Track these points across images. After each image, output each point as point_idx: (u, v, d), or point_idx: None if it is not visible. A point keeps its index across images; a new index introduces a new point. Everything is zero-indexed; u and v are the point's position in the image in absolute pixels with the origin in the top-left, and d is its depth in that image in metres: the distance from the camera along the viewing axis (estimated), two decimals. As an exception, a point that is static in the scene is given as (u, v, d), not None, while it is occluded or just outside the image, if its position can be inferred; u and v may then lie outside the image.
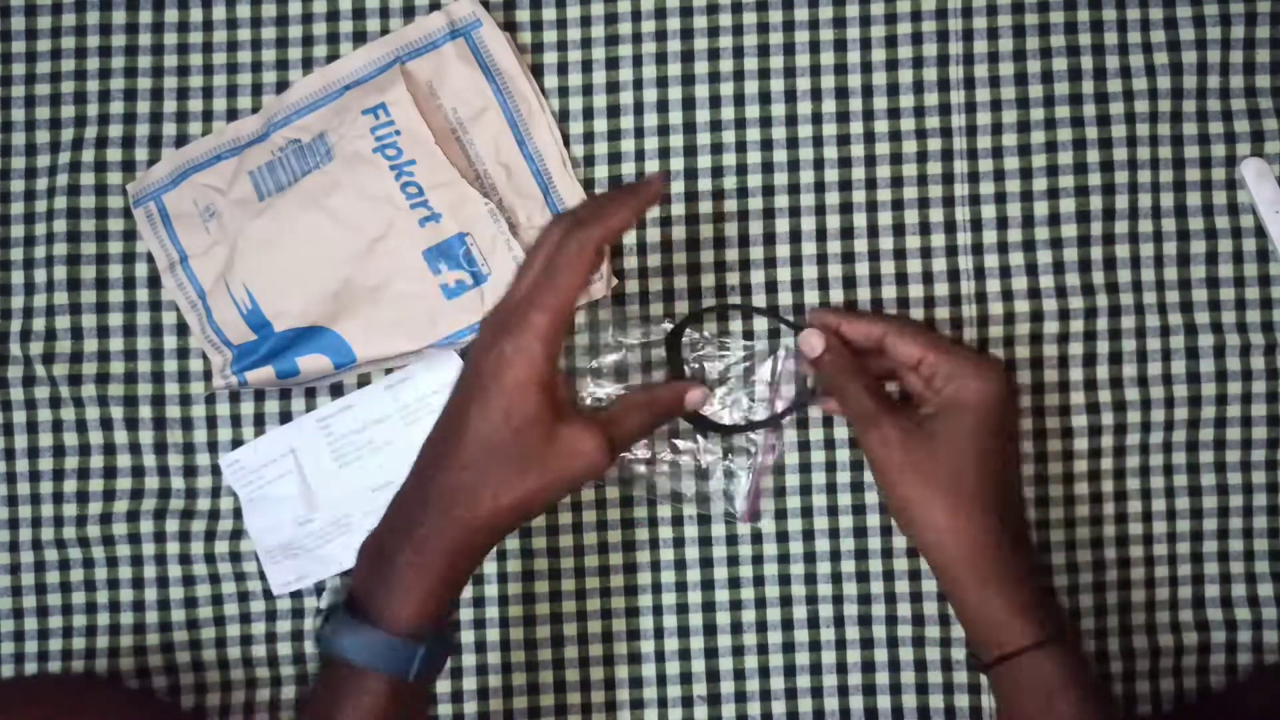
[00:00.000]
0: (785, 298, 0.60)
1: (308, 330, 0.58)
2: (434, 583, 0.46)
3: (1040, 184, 0.60)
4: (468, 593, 0.61)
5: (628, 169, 0.61)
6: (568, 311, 0.46)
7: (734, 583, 0.60)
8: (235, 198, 0.59)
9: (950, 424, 0.53)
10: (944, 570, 0.52)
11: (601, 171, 0.61)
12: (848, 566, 0.60)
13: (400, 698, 0.46)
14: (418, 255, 0.58)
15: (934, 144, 0.60)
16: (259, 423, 0.61)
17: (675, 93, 0.61)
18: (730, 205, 0.60)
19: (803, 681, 0.60)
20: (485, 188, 0.59)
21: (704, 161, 0.61)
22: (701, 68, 0.60)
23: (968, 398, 0.53)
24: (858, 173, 0.60)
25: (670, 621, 0.60)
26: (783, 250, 0.60)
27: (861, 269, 0.60)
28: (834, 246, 0.60)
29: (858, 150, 0.60)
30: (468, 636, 0.61)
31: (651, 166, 0.61)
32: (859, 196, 0.60)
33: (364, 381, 0.61)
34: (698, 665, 0.60)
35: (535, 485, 0.46)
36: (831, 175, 0.60)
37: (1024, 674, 0.51)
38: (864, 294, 0.60)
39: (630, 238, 0.61)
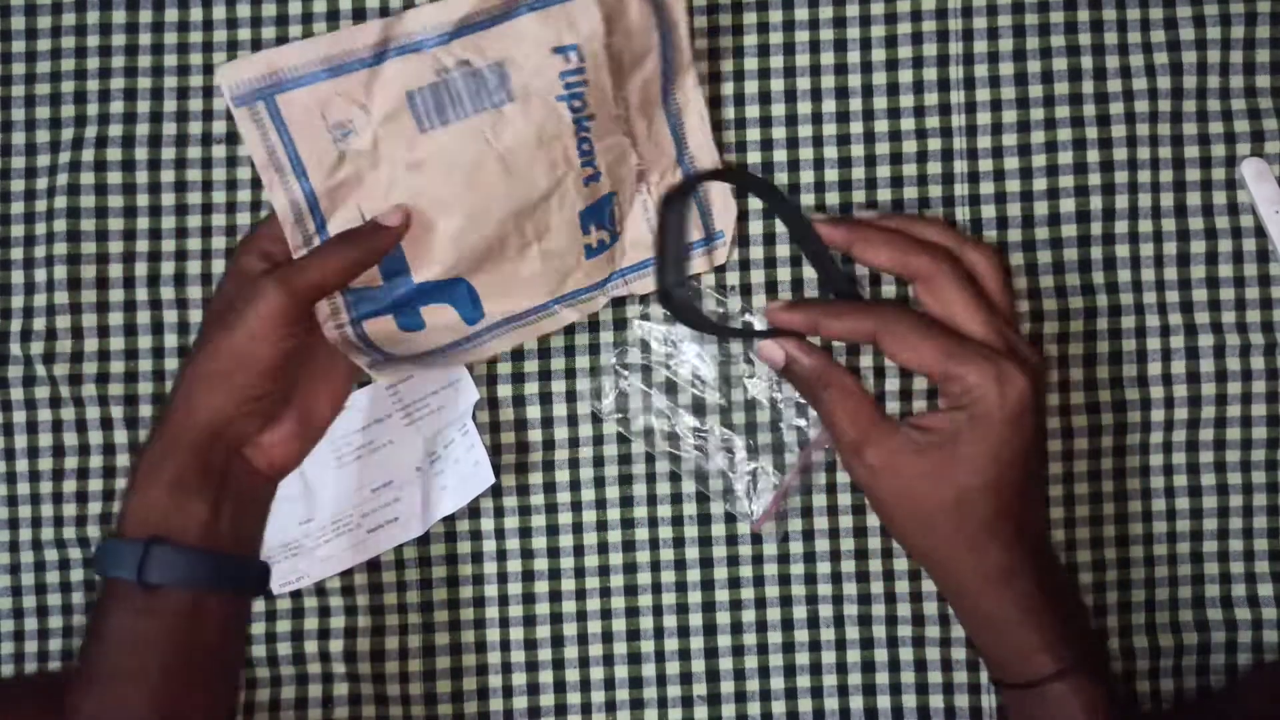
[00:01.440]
0: (786, 297, 0.60)
1: (443, 283, 0.54)
2: (156, 478, 0.47)
3: (1040, 184, 0.60)
4: (468, 593, 0.61)
5: (628, 169, 0.61)
6: (309, 293, 0.48)
7: (734, 583, 0.60)
8: (383, 116, 0.51)
9: (960, 447, 0.46)
10: (954, 603, 0.49)
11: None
12: (848, 566, 0.60)
13: (125, 603, 0.46)
14: (575, 215, 0.54)
15: (934, 144, 0.60)
16: (259, 423, 0.61)
17: (675, 93, 0.61)
18: (730, 205, 0.60)
19: (803, 681, 0.60)
20: (630, 146, 0.55)
21: (704, 161, 0.61)
22: (701, 68, 0.60)
23: (982, 412, 0.46)
24: (858, 173, 0.60)
25: (670, 621, 0.60)
26: (782, 250, 0.60)
27: (861, 269, 0.60)
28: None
29: (858, 150, 0.60)
30: (468, 636, 0.61)
31: (651, 166, 0.61)
32: (859, 196, 0.60)
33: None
34: (698, 665, 0.60)
35: (222, 340, 0.47)
36: (831, 175, 0.60)
37: (1042, 704, 0.47)
38: (864, 294, 0.60)
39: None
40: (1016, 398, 0.46)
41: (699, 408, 0.60)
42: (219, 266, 0.61)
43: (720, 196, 0.58)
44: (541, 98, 0.51)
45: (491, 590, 0.61)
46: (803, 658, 0.60)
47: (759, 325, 0.59)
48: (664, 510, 0.61)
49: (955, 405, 0.46)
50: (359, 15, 0.61)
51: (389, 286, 0.53)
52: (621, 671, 0.61)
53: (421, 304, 0.54)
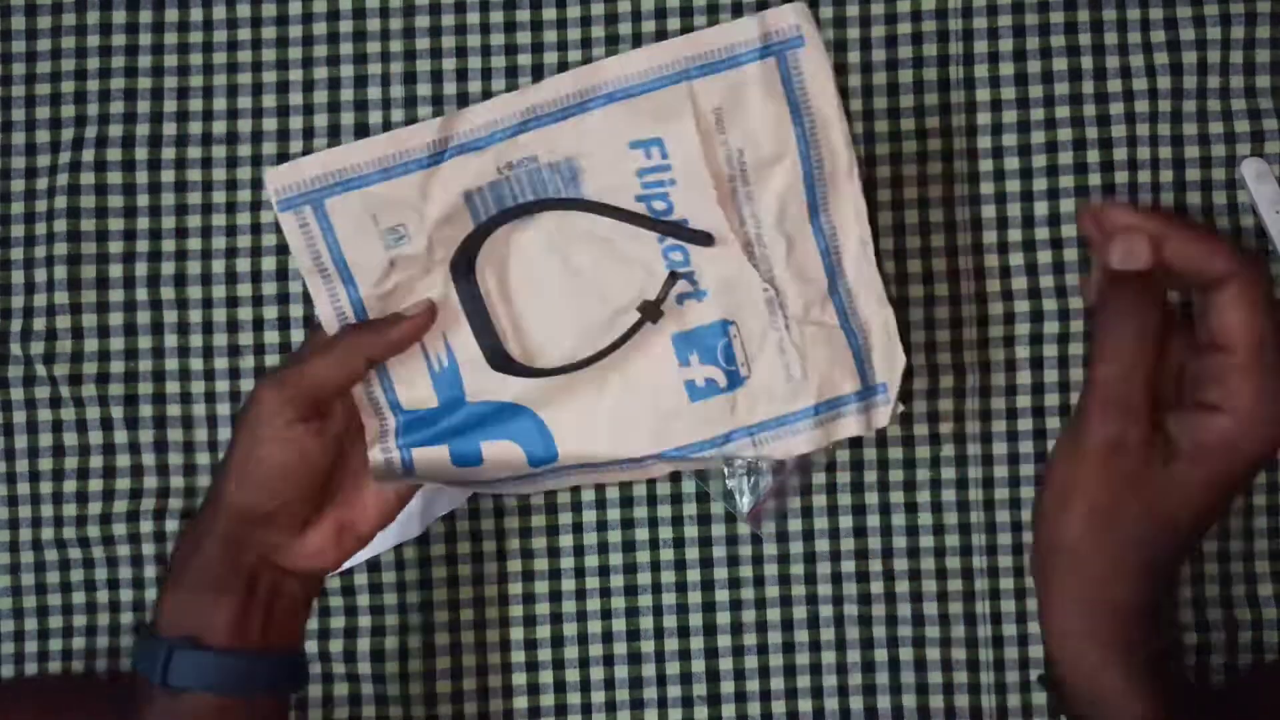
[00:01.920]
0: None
1: (504, 408, 0.48)
2: (183, 577, 0.46)
3: (1040, 184, 0.60)
4: (468, 593, 0.61)
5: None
6: (306, 393, 0.46)
7: (734, 583, 0.60)
8: (438, 219, 0.47)
9: (1196, 473, 0.38)
10: (1062, 622, 0.40)
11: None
12: (848, 566, 0.60)
13: (153, 703, 0.45)
14: (666, 339, 0.48)
15: (934, 144, 0.60)
16: (259, 423, 0.61)
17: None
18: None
19: (803, 681, 0.60)
20: (758, 261, 0.47)
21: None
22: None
23: (1242, 441, 0.37)
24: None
25: (670, 622, 0.60)
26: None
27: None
28: (834, 246, 0.60)
29: (858, 150, 0.60)
30: (468, 636, 0.61)
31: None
32: (859, 196, 0.60)
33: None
34: (698, 665, 0.60)
35: (235, 445, 0.47)
36: (831, 175, 0.60)
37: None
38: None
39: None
40: (1271, 435, 0.37)
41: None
42: (219, 266, 0.61)
43: (883, 337, 0.48)
44: (615, 194, 0.46)
45: (491, 590, 0.61)
46: (803, 658, 0.60)
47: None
48: (664, 510, 0.60)
49: (1215, 428, 0.37)
50: (359, 15, 0.61)
51: (442, 411, 0.49)
52: (621, 672, 0.61)
53: (482, 436, 0.49)
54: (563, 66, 0.61)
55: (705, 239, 0.46)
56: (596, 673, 0.61)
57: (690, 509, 0.60)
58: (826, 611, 0.60)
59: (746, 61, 0.45)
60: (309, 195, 0.46)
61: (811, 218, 0.47)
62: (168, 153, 0.61)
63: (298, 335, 0.61)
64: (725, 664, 0.60)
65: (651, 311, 0.47)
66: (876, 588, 0.60)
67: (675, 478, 0.60)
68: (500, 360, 0.48)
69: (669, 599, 0.61)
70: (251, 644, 0.46)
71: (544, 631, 0.61)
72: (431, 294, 0.48)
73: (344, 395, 0.48)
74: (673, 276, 0.47)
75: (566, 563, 0.61)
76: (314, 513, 0.48)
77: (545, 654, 0.61)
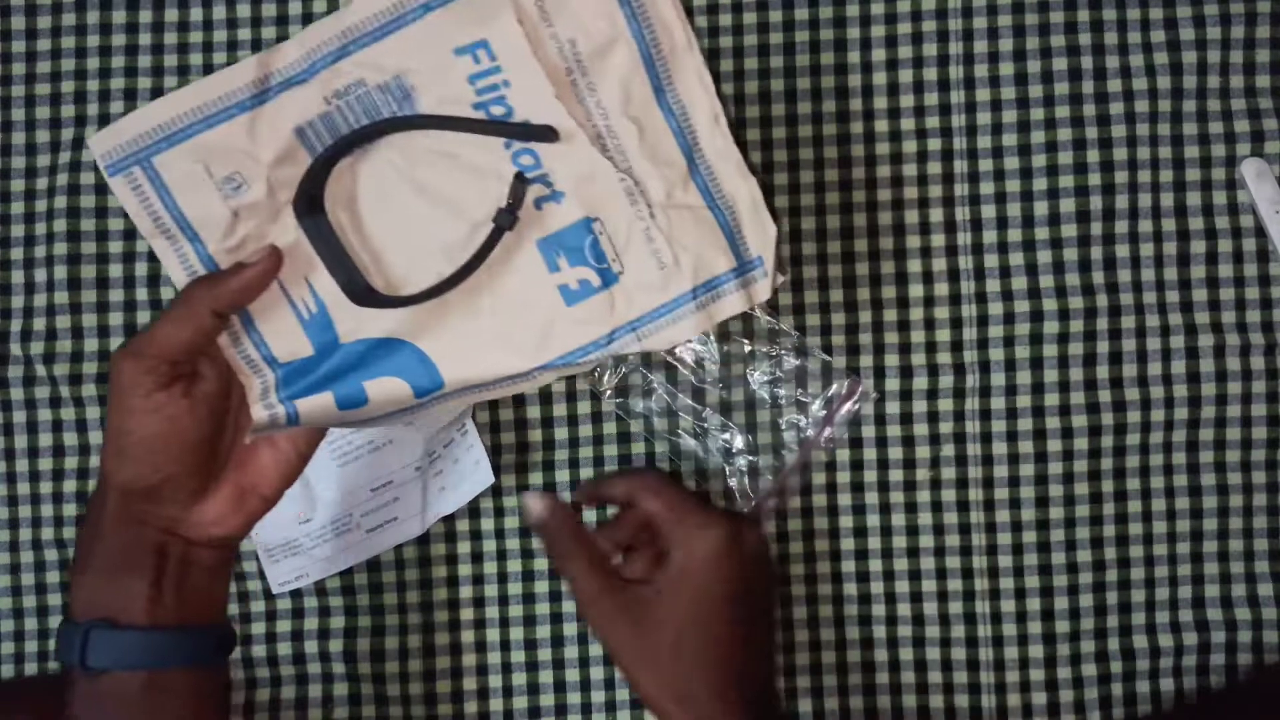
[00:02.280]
0: (785, 298, 0.60)
1: (380, 344, 0.47)
2: (89, 561, 0.45)
3: (1040, 184, 0.60)
4: (468, 593, 0.61)
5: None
6: (158, 357, 0.44)
7: (734, 583, 0.60)
8: (274, 159, 0.44)
9: (672, 596, 0.49)
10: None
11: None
12: (848, 566, 0.60)
13: (78, 687, 0.45)
14: (531, 246, 0.46)
15: (934, 144, 0.60)
16: (259, 422, 0.61)
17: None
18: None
19: (803, 682, 0.60)
20: (611, 152, 0.45)
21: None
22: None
23: (689, 562, 0.49)
24: (858, 173, 0.60)
25: (670, 621, 0.60)
26: (783, 250, 0.60)
27: (861, 269, 0.60)
28: (834, 246, 0.60)
29: (858, 150, 0.60)
30: (468, 636, 0.61)
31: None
32: (859, 196, 0.60)
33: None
34: (698, 665, 0.60)
35: (108, 422, 0.45)
36: (831, 175, 0.60)
37: None
38: (864, 294, 0.60)
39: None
40: (715, 542, 0.49)
41: (699, 393, 0.60)
42: (219, 266, 0.61)
43: (750, 210, 0.46)
44: (451, 108, 0.44)
45: (491, 590, 0.61)
46: (803, 658, 0.60)
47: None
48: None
49: (674, 558, 0.49)
50: (359, 15, 0.61)
51: (319, 357, 0.47)
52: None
53: (364, 375, 0.47)
54: None
55: (548, 134, 0.44)
56: (596, 673, 0.61)
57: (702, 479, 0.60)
58: (826, 611, 0.60)
59: None
60: (136, 155, 0.44)
61: (657, 98, 0.45)
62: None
63: (298, 335, 0.61)
64: (725, 664, 0.60)
65: (506, 219, 0.45)
66: (876, 588, 0.60)
67: (675, 477, 0.60)
68: (362, 293, 0.45)
69: (669, 599, 0.61)
70: (168, 619, 0.45)
71: (544, 631, 0.61)
72: (284, 239, 0.45)
73: (207, 355, 0.46)
74: (520, 179, 0.44)
75: (566, 563, 0.61)
76: (206, 481, 0.47)
77: (545, 654, 0.61)
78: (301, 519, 0.60)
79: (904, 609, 0.60)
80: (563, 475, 0.61)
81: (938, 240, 0.60)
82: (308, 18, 0.61)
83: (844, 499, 0.60)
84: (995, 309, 0.60)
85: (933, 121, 0.60)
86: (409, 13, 0.43)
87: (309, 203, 0.45)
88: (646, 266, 0.46)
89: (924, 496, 0.60)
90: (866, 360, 0.60)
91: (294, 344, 0.47)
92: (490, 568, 0.61)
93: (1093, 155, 0.60)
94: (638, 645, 0.48)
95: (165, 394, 0.44)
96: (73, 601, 0.46)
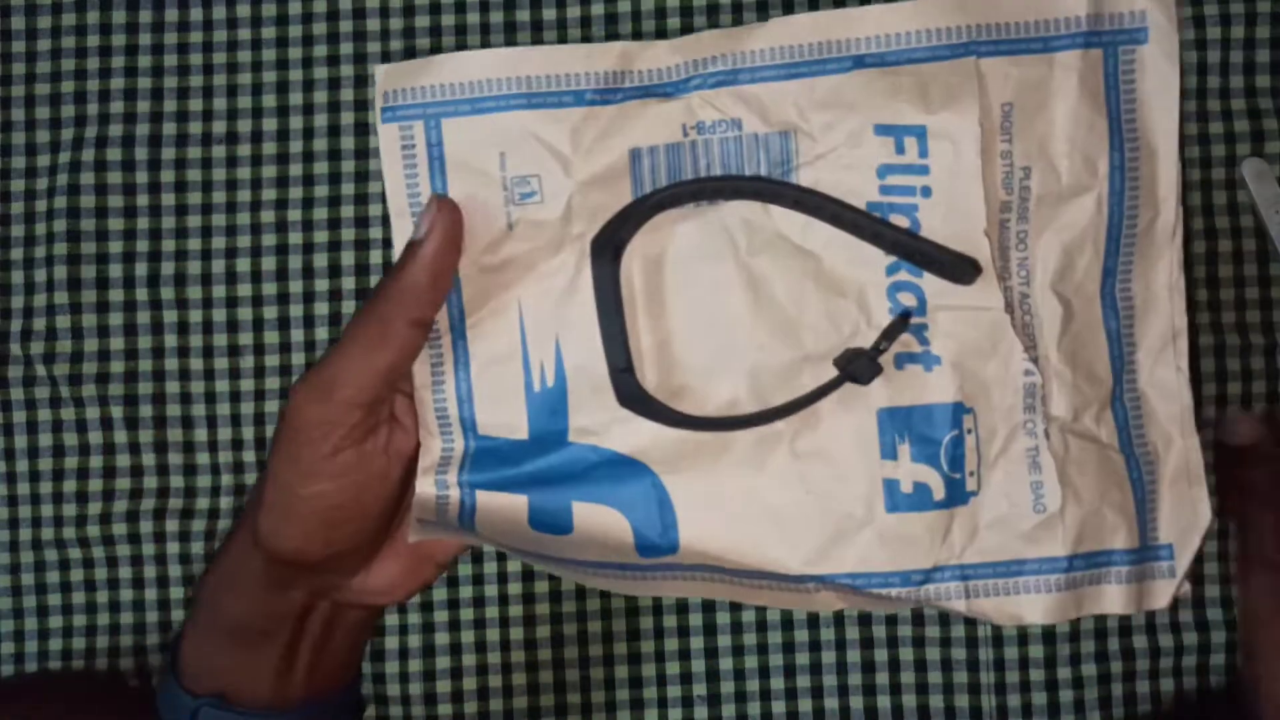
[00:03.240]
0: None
1: (618, 462, 0.35)
2: (214, 622, 0.37)
3: (1040, 184, 0.60)
4: (468, 592, 0.61)
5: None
6: (351, 402, 0.34)
7: (734, 583, 0.60)
8: (589, 178, 0.34)
9: None
10: None
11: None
12: (848, 566, 0.60)
13: None
14: (870, 413, 0.34)
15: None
16: (259, 422, 0.61)
17: (675, 93, 0.60)
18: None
19: (803, 681, 0.60)
20: (1019, 331, 0.33)
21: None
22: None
23: None
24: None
25: (670, 621, 0.60)
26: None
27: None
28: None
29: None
30: (468, 636, 0.61)
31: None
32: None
33: None
34: (698, 665, 0.60)
35: (273, 468, 0.35)
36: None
37: None
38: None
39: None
40: None
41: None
42: (219, 266, 0.61)
43: (1178, 477, 0.34)
44: (842, 187, 0.33)
45: (491, 590, 0.61)
46: (803, 658, 0.60)
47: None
48: (664, 510, 0.60)
49: None
50: (359, 15, 0.61)
51: (533, 446, 0.35)
52: (622, 671, 0.61)
53: (577, 495, 0.35)
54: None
55: (965, 272, 0.32)
56: (596, 672, 0.61)
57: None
58: (826, 611, 0.60)
59: (1061, 48, 0.32)
60: (425, 107, 0.34)
61: (1104, 285, 0.34)
62: (168, 153, 0.61)
63: (298, 335, 0.61)
64: (725, 664, 0.60)
65: (863, 368, 0.33)
66: (876, 588, 0.60)
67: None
68: (631, 389, 0.34)
69: (668, 599, 0.61)
70: (295, 694, 0.38)
71: (544, 631, 0.61)
72: (556, 281, 0.34)
73: (405, 393, 0.36)
74: (902, 320, 0.33)
75: (566, 563, 0.61)
76: (381, 546, 0.37)
77: (545, 654, 0.61)
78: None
79: (904, 608, 0.60)
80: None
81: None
82: (308, 18, 0.61)
83: (844, 499, 0.60)
84: (995, 309, 0.60)
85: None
86: (833, 59, 0.33)
87: (614, 251, 0.34)
88: (1016, 501, 0.34)
89: (924, 496, 0.60)
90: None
91: (508, 417, 0.35)
92: (490, 568, 0.61)
93: (1093, 155, 0.60)
94: None
95: (356, 453, 0.34)
96: (184, 663, 0.38)
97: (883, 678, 0.60)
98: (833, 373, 0.33)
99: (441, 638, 0.61)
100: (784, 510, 0.34)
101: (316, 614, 0.37)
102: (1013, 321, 0.33)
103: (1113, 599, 0.34)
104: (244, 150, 0.61)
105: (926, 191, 0.33)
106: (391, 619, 0.60)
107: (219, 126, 0.61)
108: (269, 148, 0.61)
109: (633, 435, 0.34)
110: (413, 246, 0.33)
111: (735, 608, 0.60)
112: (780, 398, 0.34)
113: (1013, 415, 0.33)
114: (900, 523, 0.34)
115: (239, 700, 0.37)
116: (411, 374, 0.36)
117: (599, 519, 0.35)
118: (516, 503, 0.35)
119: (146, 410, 0.61)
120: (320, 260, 0.61)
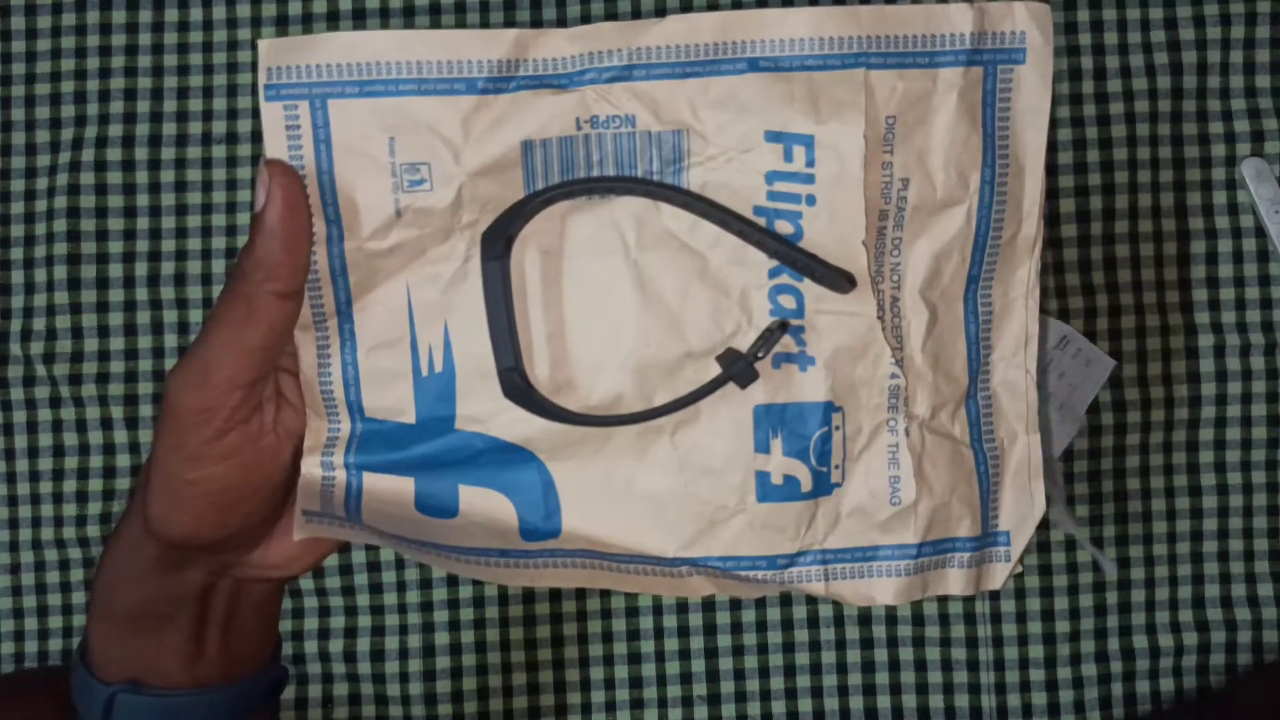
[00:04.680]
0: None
1: (504, 449, 0.35)
2: (112, 608, 0.37)
3: (1040, 184, 0.60)
4: (468, 592, 0.61)
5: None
6: (227, 385, 0.33)
7: (734, 583, 0.60)
8: (479, 167, 0.33)
9: None
10: None
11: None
12: (848, 566, 0.60)
13: None
14: (747, 409, 0.35)
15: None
16: (259, 422, 0.61)
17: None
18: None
19: (803, 681, 0.60)
20: (888, 334, 0.35)
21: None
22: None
23: None
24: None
25: (670, 622, 0.60)
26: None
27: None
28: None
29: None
30: (468, 636, 0.61)
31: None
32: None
33: None
34: (698, 665, 0.60)
35: (155, 448, 0.34)
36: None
37: None
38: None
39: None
40: None
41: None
42: (219, 266, 0.61)
43: (1020, 471, 0.36)
44: (729, 189, 0.34)
45: (491, 590, 0.61)
46: (803, 658, 0.60)
47: None
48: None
49: None
50: (358, 15, 0.61)
51: (418, 432, 0.35)
52: (622, 672, 0.61)
53: (463, 478, 0.35)
54: None
55: (842, 284, 0.34)
56: (596, 673, 0.61)
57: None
58: (826, 611, 0.60)
59: (946, 64, 0.33)
60: (311, 87, 0.33)
61: (967, 291, 0.35)
62: (167, 153, 0.61)
63: (298, 335, 0.61)
64: (725, 664, 0.60)
65: (742, 371, 0.34)
66: (876, 588, 0.60)
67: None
68: (517, 386, 0.34)
69: (668, 599, 0.61)
70: (210, 676, 0.37)
71: (544, 631, 0.61)
72: (446, 268, 0.34)
73: (289, 370, 0.35)
74: (781, 327, 0.34)
75: (566, 563, 0.61)
76: (276, 522, 0.36)
77: (545, 654, 0.61)
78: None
79: (904, 608, 0.60)
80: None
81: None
82: (307, 18, 0.61)
83: (844, 499, 0.60)
84: (995, 309, 0.60)
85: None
86: (729, 60, 0.33)
87: (504, 243, 0.34)
88: (874, 492, 0.35)
89: (924, 496, 0.60)
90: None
91: (394, 401, 0.35)
92: (490, 568, 0.61)
93: (1093, 155, 0.60)
94: None
95: (239, 434, 0.33)
96: (92, 652, 0.37)
97: (883, 678, 0.60)
98: (713, 368, 0.34)
99: (441, 638, 0.61)
100: (662, 498, 0.35)
101: (218, 592, 0.37)
102: (883, 325, 0.34)
103: (955, 582, 0.36)
104: (244, 150, 0.61)
105: (811, 200, 0.33)
106: (392, 619, 0.60)
107: (219, 126, 0.61)
108: (269, 148, 0.61)
109: (520, 424, 0.35)
110: (257, 219, 0.32)
111: (736, 607, 0.60)
112: (663, 392, 0.35)
113: (877, 414, 0.35)
114: (769, 512, 0.35)
115: (152, 684, 0.36)
116: (296, 352, 0.35)
117: (484, 503, 0.35)
118: (403, 485, 0.35)
119: (146, 410, 0.61)
120: (320, 260, 0.60)
